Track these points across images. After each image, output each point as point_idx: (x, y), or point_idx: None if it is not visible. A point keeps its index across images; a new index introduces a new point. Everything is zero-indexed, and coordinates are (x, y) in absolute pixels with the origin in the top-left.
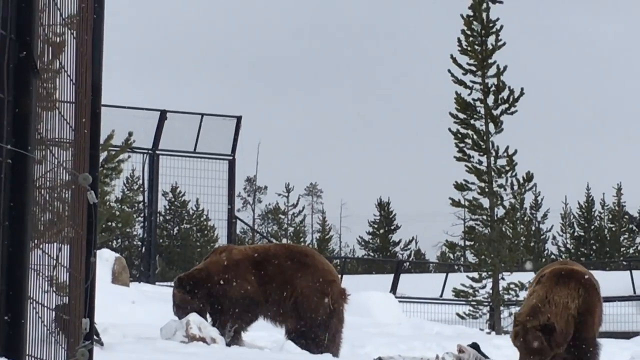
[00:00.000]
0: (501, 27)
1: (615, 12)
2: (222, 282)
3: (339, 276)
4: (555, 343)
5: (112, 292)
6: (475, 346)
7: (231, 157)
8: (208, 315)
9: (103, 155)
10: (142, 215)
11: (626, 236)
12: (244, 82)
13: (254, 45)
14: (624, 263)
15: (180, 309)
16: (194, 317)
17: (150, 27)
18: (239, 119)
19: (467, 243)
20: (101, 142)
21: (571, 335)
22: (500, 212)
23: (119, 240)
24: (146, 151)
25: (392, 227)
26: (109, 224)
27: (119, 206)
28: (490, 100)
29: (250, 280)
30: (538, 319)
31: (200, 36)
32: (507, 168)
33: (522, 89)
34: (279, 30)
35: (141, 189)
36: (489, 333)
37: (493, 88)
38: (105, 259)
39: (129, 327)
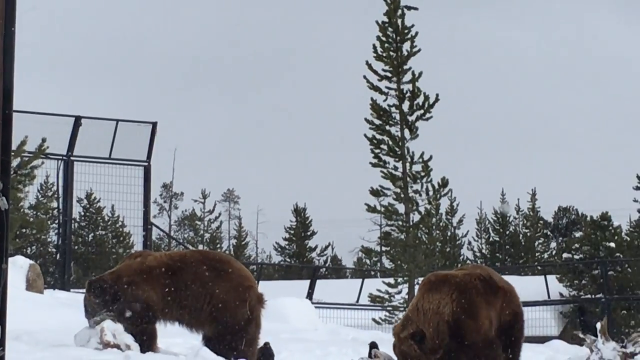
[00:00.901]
0: (416, 33)
1: (529, 20)
2: (128, 284)
3: (256, 282)
4: (428, 349)
5: (26, 299)
6: (374, 345)
7: (147, 163)
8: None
9: (16, 162)
10: (56, 221)
11: (541, 241)
12: (159, 87)
13: (169, 50)
14: (539, 268)
15: (90, 314)
16: (108, 324)
17: (65, 31)
18: (154, 125)
19: (383, 248)
20: (13, 148)
21: (446, 341)
22: (415, 217)
23: (34, 247)
24: (60, 157)
25: (309, 233)
26: (23, 230)
27: (33, 213)
28: (406, 106)
29: (156, 288)
30: (408, 328)
31: (115, 40)
32: (423, 174)
33: (437, 95)
34: (195, 36)
35: (55, 196)
36: None
37: (408, 94)
38: (20, 266)
39: (42, 334)
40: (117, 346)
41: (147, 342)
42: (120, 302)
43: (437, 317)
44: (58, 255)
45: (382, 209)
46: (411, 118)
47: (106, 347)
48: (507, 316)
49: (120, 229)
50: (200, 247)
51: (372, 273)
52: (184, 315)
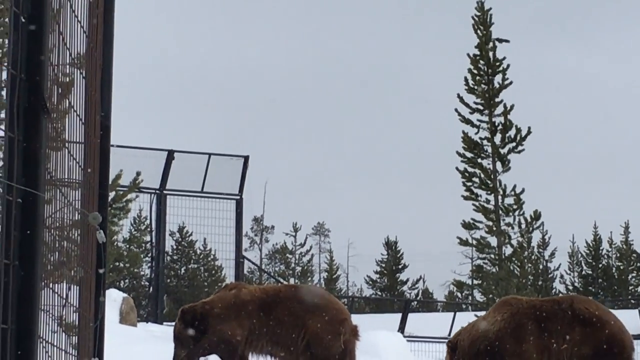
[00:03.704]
0: (508, 65)
1: (621, 51)
2: (217, 317)
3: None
4: None
5: (120, 332)
6: None
7: (238, 197)
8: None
9: (111, 195)
10: (149, 255)
11: (634, 274)
12: (250, 121)
13: (260, 85)
14: (632, 301)
15: (179, 342)
16: None
17: (158, 66)
18: (246, 158)
19: (475, 282)
20: (109, 182)
21: (479, 359)
22: (507, 250)
23: (127, 281)
24: (153, 191)
25: (400, 266)
26: (117, 264)
27: (127, 246)
28: (497, 139)
29: (244, 324)
30: (456, 336)
31: (208, 76)
32: (515, 207)
33: (529, 127)
34: (286, 70)
35: (148, 229)
36: None
37: (500, 127)
38: (113, 299)
39: None
40: None
41: None
42: (206, 335)
43: (482, 333)
44: (151, 288)
45: (474, 242)
46: (503, 151)
47: None
48: (587, 349)
49: (212, 262)
50: (292, 280)
51: (464, 306)
52: (278, 351)
